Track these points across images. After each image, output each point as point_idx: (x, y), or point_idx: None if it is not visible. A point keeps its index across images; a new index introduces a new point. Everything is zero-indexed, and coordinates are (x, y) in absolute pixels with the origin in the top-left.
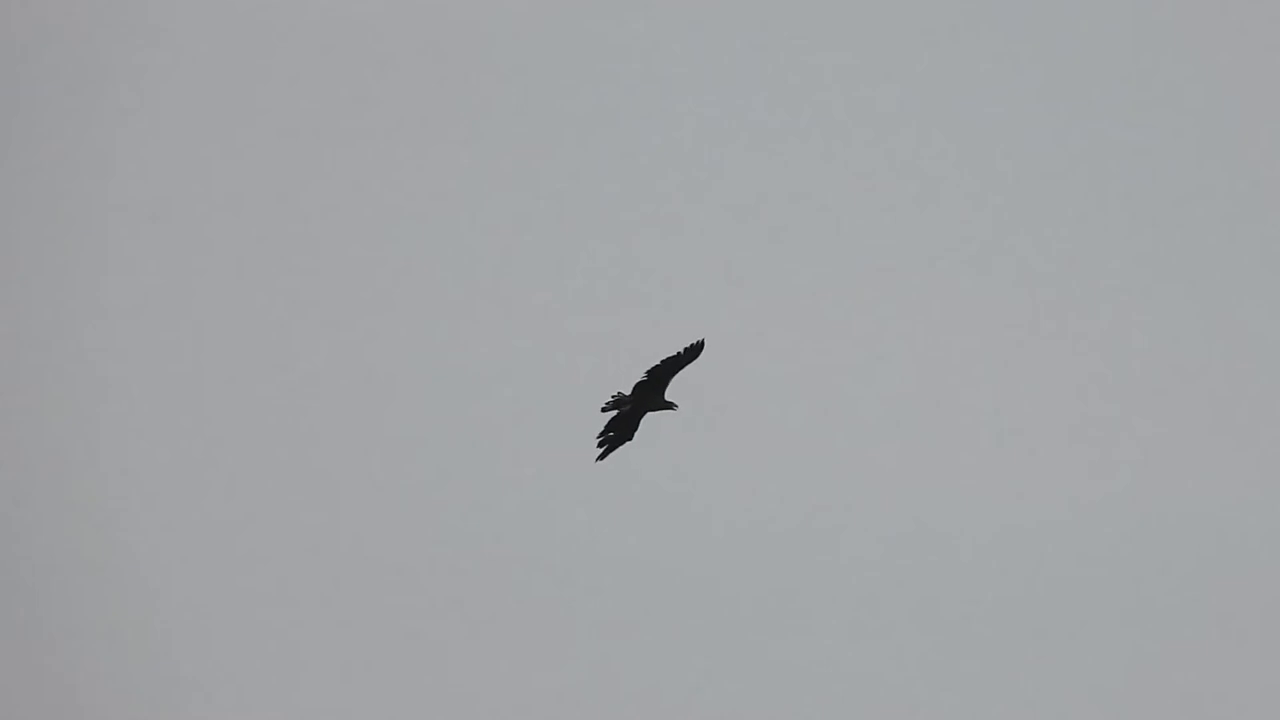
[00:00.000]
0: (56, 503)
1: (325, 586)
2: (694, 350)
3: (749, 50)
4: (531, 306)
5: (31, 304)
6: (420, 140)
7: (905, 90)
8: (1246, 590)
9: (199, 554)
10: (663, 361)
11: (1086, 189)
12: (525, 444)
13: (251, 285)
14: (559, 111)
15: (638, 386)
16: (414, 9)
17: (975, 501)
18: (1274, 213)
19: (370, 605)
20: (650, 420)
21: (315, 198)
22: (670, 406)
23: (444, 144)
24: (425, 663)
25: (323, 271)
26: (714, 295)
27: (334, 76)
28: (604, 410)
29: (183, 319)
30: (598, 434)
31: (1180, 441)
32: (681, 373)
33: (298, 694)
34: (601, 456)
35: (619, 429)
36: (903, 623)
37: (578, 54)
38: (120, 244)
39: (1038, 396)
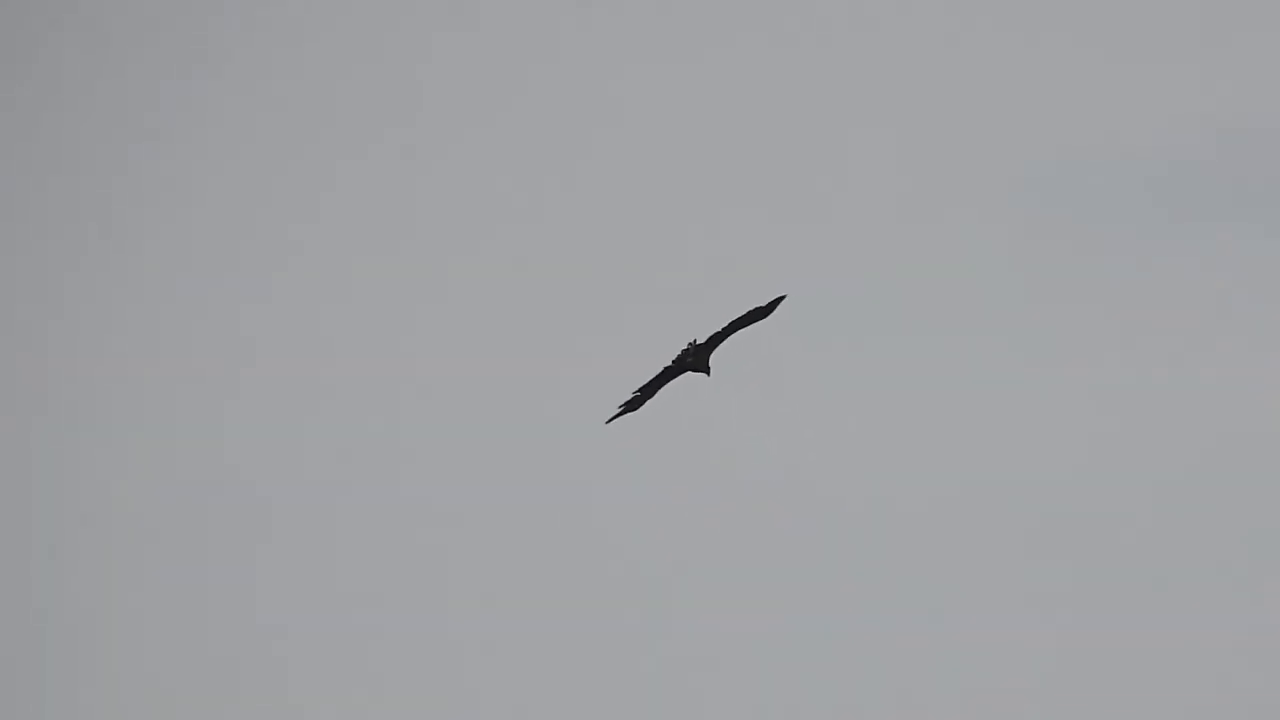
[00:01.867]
0: None
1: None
2: (774, 304)
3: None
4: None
5: None
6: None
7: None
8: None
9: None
10: (745, 314)
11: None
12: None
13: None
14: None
15: (711, 338)
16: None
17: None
18: None
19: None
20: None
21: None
22: (706, 370)
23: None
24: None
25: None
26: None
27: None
28: (673, 363)
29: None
30: (634, 390)
31: None
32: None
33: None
34: (612, 419)
35: (646, 390)
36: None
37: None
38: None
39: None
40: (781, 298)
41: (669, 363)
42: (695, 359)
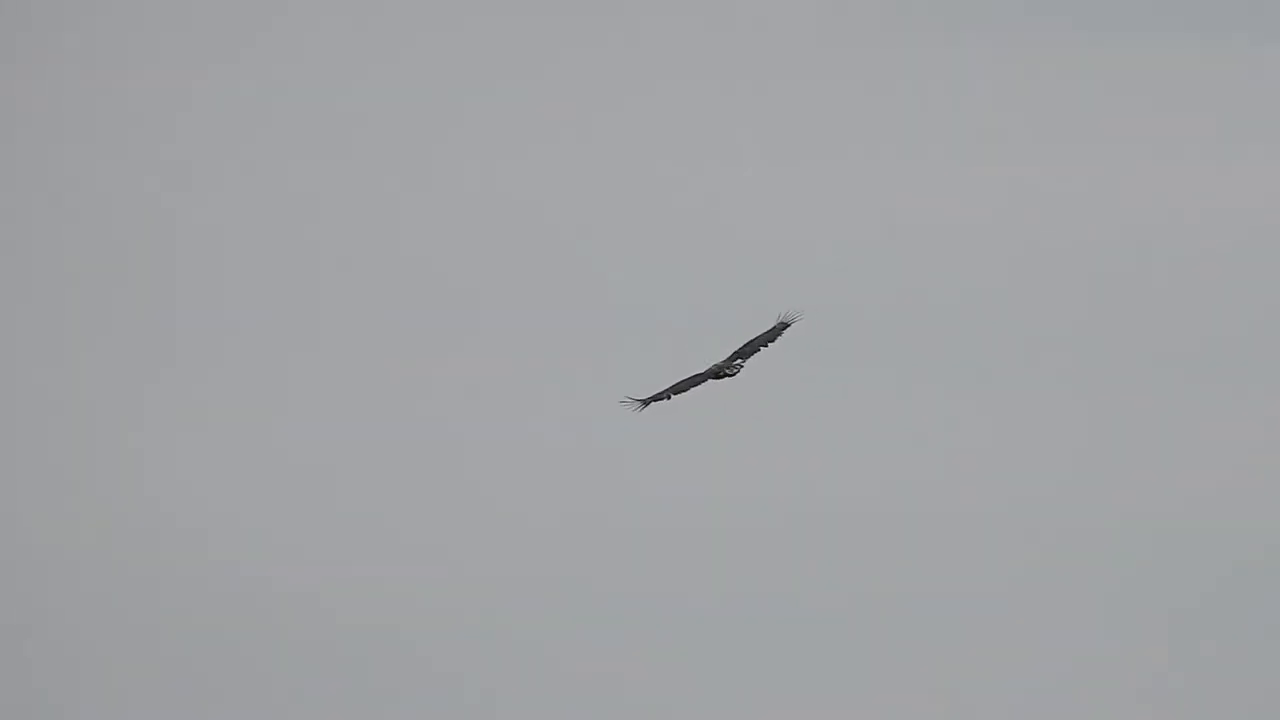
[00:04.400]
0: None
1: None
2: (785, 325)
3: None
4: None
5: None
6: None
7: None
8: None
9: None
10: (768, 331)
11: None
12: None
13: None
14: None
15: (741, 353)
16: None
17: None
18: None
19: None
20: None
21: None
22: (719, 375)
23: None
24: None
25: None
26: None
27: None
28: (717, 375)
29: None
30: (662, 391)
31: None
32: None
33: None
34: (645, 405)
35: (680, 388)
36: None
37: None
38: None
39: None
40: (796, 317)
41: (704, 371)
42: (726, 368)
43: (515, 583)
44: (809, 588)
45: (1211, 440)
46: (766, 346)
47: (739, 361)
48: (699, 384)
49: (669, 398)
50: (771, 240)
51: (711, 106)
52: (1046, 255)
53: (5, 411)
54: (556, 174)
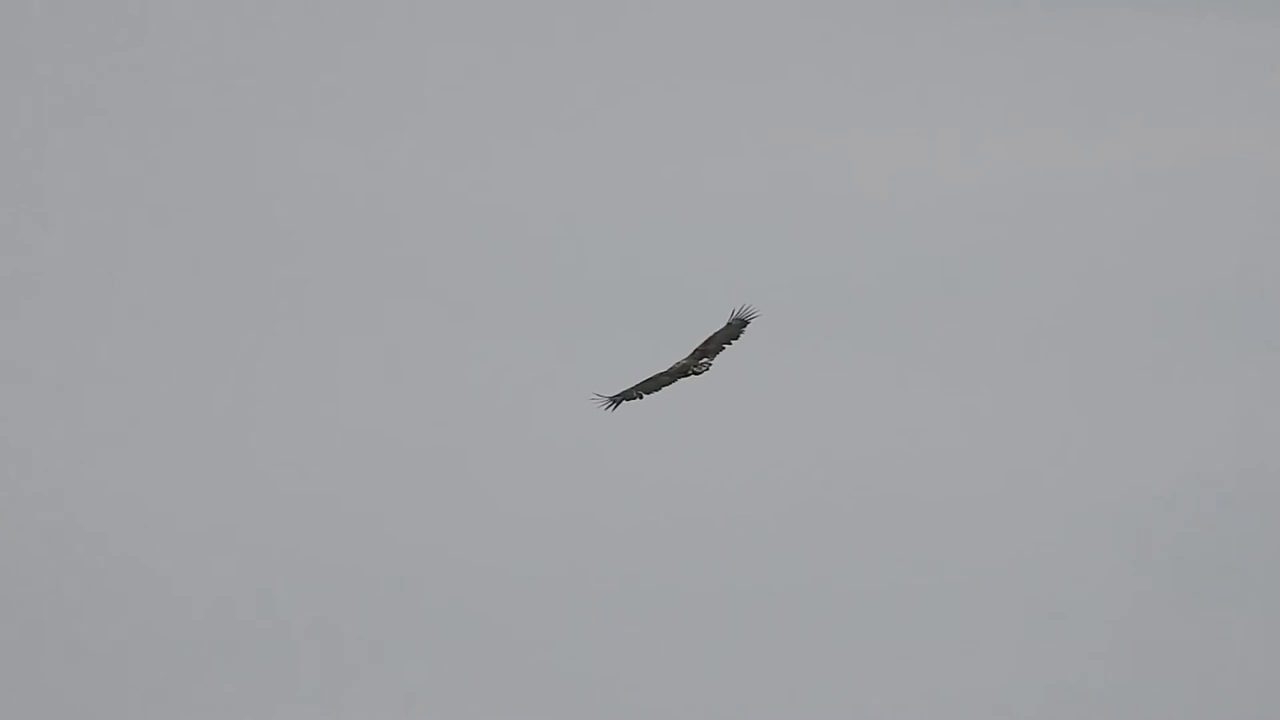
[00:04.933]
0: None
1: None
2: (744, 322)
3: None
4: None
5: None
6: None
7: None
8: None
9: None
10: (721, 333)
11: None
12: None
13: None
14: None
15: (708, 350)
16: None
17: None
18: None
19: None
20: None
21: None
22: (686, 373)
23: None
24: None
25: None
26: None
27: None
28: (684, 373)
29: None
30: (632, 389)
31: None
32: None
33: None
34: (615, 404)
35: (648, 387)
36: None
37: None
38: None
39: None
40: (754, 313)
41: (671, 369)
42: (694, 367)
43: (515, 583)
44: (809, 586)
45: (1213, 435)
46: (730, 344)
47: (705, 360)
48: (670, 383)
49: (640, 397)
50: (772, 236)
51: (711, 106)
52: (1045, 247)
53: (3, 409)
54: (554, 174)
